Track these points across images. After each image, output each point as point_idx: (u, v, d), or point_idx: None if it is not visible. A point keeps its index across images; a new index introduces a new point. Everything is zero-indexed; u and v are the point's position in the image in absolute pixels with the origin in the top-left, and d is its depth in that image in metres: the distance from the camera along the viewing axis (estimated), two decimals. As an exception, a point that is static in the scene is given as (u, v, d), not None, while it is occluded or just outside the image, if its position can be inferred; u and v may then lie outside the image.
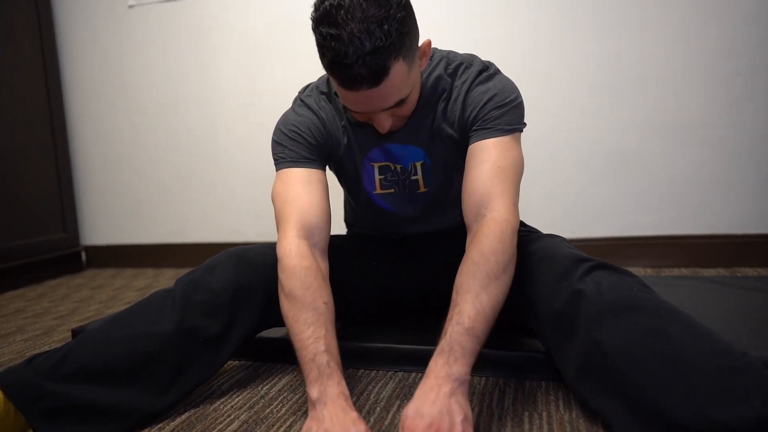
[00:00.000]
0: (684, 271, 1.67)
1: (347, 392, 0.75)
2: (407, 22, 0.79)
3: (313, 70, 2.14)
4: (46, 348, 1.29)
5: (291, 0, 2.03)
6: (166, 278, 2.09)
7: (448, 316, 0.76)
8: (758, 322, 1.06)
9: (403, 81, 0.81)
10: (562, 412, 0.82)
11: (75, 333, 1.23)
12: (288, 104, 2.12)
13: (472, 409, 0.83)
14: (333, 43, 0.75)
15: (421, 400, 0.69)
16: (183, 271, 2.17)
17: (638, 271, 1.70)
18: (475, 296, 0.76)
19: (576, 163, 1.80)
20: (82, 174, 2.42)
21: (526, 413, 0.82)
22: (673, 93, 1.69)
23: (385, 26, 0.74)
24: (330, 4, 0.75)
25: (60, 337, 1.38)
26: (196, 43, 2.18)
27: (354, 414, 0.71)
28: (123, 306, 1.68)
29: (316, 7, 0.78)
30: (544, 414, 0.81)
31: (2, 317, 1.63)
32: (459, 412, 0.68)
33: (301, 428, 0.74)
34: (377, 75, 0.76)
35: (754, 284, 1.35)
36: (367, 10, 0.74)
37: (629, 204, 1.76)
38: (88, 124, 2.37)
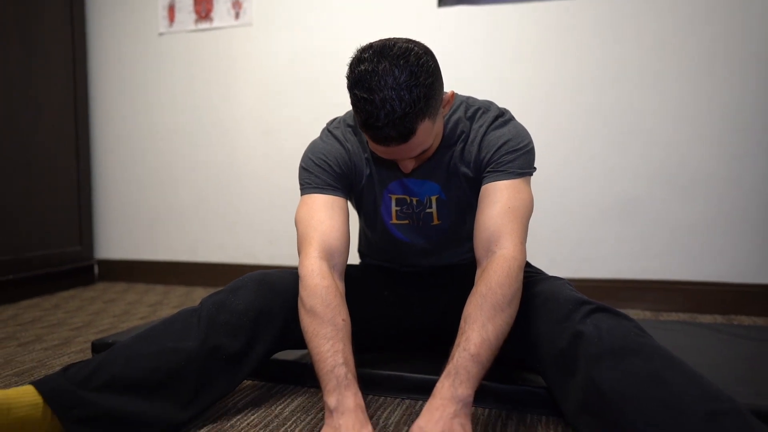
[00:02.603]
0: (681, 316, 1.72)
1: (363, 404, 0.80)
2: (434, 85, 0.85)
3: (331, 103, 2.26)
4: (66, 358, 1.34)
5: (312, 36, 2.14)
6: (176, 295, 2.14)
7: (456, 343, 0.82)
8: (749, 370, 1.11)
9: (428, 135, 0.88)
10: (561, 446, 0.87)
11: (95, 346, 1.28)
12: (305, 135, 2.21)
13: (476, 438, 0.88)
14: (367, 107, 0.82)
15: (426, 419, 0.74)
16: (193, 289, 2.24)
17: (637, 314, 1.75)
18: (481, 326, 0.82)
19: (582, 207, 1.87)
20: (101, 189, 2.50)
21: (527, 445, 0.87)
22: (681, 145, 1.77)
23: (415, 92, 0.81)
24: (365, 69, 0.82)
25: (77, 348, 1.43)
26: (220, 71, 2.28)
27: (370, 428, 0.76)
28: (136, 321, 1.73)
29: (352, 69, 0.85)
30: (544, 447, 0.86)
31: (20, 326, 1.68)
32: None
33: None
34: (405, 136, 0.84)
35: (748, 333, 1.39)
36: (398, 78, 0.81)
37: (631, 248, 1.82)
38: (112, 142, 2.46)
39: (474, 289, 0.87)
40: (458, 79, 1.92)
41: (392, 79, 0.81)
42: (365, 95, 0.82)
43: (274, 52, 2.20)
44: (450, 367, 0.80)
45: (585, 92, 1.85)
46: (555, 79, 1.88)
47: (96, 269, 2.49)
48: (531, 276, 1.03)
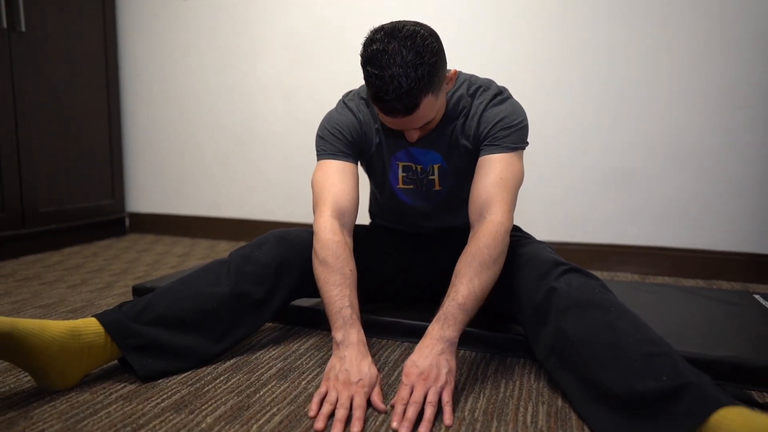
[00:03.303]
0: (666, 280, 1.85)
1: (365, 340, 0.95)
2: (438, 64, 0.96)
3: (348, 70, 2.35)
4: (110, 299, 1.53)
5: (332, 4, 2.22)
6: (202, 248, 2.33)
7: (447, 294, 0.97)
8: (711, 326, 1.25)
9: (431, 109, 1.00)
10: (532, 382, 1.03)
11: (135, 289, 1.46)
12: (322, 100, 2.35)
13: (461, 375, 1.04)
14: (377, 82, 0.93)
15: (418, 355, 0.90)
16: (217, 243, 2.42)
17: (626, 276, 1.88)
18: (469, 280, 0.95)
19: (579, 176, 1.96)
20: (131, 148, 2.66)
21: (503, 381, 1.03)
22: (675, 119, 1.84)
23: (420, 70, 0.92)
24: (376, 48, 0.93)
25: (119, 291, 1.61)
26: (243, 35, 2.37)
27: (370, 359, 0.92)
28: (167, 269, 1.92)
29: (365, 48, 0.96)
30: (518, 383, 1.02)
31: (66, 270, 1.88)
32: (445, 365, 0.89)
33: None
34: (410, 109, 0.95)
35: (722, 296, 1.52)
36: (405, 56, 0.92)
37: (624, 216, 1.93)
38: (141, 103, 2.60)
39: (465, 249, 1.01)
40: (453, 53, 2.00)
41: (400, 58, 0.91)
42: (376, 71, 0.92)
43: (296, 19, 2.28)
44: (440, 314, 0.94)
45: (582, 65, 1.91)
46: (552, 51, 1.93)
47: (127, 222, 2.68)
48: (519, 239, 1.16)
